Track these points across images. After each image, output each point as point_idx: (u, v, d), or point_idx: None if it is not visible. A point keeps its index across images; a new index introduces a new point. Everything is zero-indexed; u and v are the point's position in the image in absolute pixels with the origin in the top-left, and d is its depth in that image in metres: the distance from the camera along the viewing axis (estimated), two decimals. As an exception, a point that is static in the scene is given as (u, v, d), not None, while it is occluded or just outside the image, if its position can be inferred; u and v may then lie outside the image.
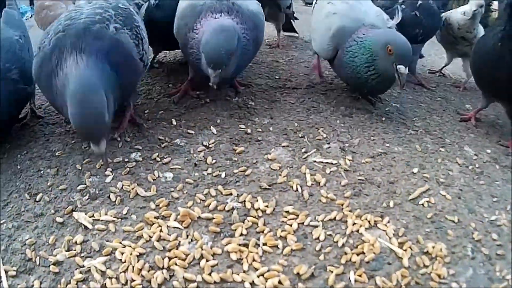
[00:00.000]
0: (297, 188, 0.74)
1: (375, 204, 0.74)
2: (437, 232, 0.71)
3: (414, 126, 1.07)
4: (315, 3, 1.20)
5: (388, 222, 0.70)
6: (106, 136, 0.72)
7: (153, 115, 1.00)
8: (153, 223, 0.70)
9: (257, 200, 0.72)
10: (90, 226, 0.69)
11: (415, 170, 0.86)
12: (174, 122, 0.95)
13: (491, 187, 0.89)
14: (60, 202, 0.75)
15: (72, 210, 0.72)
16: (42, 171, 0.82)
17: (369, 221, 0.69)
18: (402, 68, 0.92)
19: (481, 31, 1.43)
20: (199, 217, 0.71)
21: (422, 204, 0.76)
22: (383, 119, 1.06)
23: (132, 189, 0.76)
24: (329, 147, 0.88)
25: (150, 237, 0.67)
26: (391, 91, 1.26)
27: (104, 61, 0.74)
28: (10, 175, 0.83)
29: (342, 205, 0.72)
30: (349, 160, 0.84)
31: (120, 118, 0.91)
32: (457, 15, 1.42)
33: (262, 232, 0.67)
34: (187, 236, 0.68)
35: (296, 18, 1.83)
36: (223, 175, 0.79)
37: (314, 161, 0.82)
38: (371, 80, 0.97)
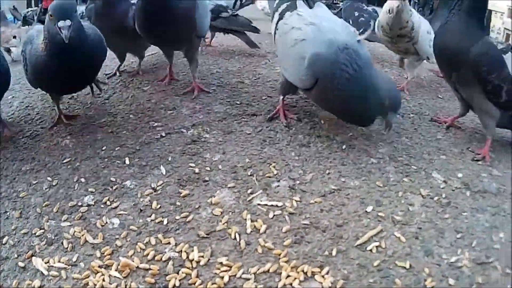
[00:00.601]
0: (235, 237, 0.76)
1: (316, 252, 0.74)
2: (382, 282, 0.70)
3: (378, 153, 1.05)
4: (276, 28, 1.12)
5: (327, 273, 0.70)
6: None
7: (109, 152, 1.05)
8: (98, 272, 0.75)
9: (193, 250, 0.74)
10: (45, 272, 0.77)
11: (369, 208, 0.85)
12: (127, 161, 0.98)
13: (457, 220, 0.87)
14: (22, 246, 0.83)
15: (32, 255, 0.80)
16: (8, 213, 0.91)
17: (305, 273, 0.69)
18: (393, 117, 0.98)
19: (417, 19, 1.37)
20: (137, 267, 0.75)
21: (371, 250, 0.75)
22: (344, 147, 1.04)
23: (82, 235, 0.81)
24: (278, 186, 0.88)
25: (95, 285, 0.74)
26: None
27: None
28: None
29: (279, 255, 0.73)
30: (296, 201, 0.84)
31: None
32: (384, 15, 1.37)
33: (194, 284, 0.70)
34: (126, 286, 0.73)
35: (257, 30, 1.80)
36: (165, 221, 0.81)
37: (259, 204, 0.83)
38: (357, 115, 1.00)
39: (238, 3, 3.31)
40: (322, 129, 1.13)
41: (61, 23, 0.86)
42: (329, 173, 0.95)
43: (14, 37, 3.55)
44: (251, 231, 0.77)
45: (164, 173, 0.92)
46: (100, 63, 1.07)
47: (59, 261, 0.77)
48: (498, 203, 1.00)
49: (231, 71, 1.50)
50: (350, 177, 0.94)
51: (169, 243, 0.76)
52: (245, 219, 0.79)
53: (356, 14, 2.07)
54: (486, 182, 1.07)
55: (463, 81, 1.10)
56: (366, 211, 0.86)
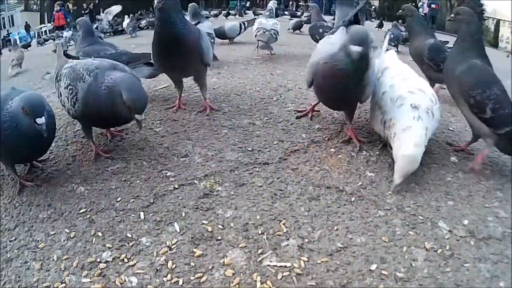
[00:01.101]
0: None
1: (321, 316, 0.82)
2: None
3: (386, 203, 1.11)
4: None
5: (333, 335, 0.80)
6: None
7: (124, 204, 1.13)
8: (118, 331, 0.84)
9: None
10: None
11: (374, 266, 0.91)
12: (142, 216, 1.05)
13: (458, 273, 0.91)
14: None
15: (52, 312, 0.88)
16: (28, 263, 0.98)
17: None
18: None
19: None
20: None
21: (373, 309, 0.82)
22: (353, 199, 1.11)
23: None
24: (287, 245, 0.94)
25: None
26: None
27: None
28: (2, 263, 0.99)
29: (287, 317, 0.82)
30: (304, 261, 0.90)
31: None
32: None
33: None
34: None
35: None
36: (180, 281, 0.87)
37: (268, 265, 0.89)
38: None
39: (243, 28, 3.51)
40: (332, 178, 1.20)
41: (39, 120, 1.04)
42: (337, 229, 1.01)
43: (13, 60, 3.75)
44: None
45: (178, 230, 0.99)
46: (51, 140, 1.22)
47: (78, 321, 0.86)
48: (502, 249, 1.04)
49: (243, 109, 1.57)
50: (357, 233, 1.01)
51: None
52: (255, 281, 0.86)
53: (321, 30, 2.43)
54: (491, 227, 1.11)
55: (455, 97, 1.35)
56: (370, 270, 0.91)
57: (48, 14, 8.16)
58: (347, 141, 1.39)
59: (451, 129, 1.68)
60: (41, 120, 1.05)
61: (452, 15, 1.42)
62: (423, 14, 14.91)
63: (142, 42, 4.28)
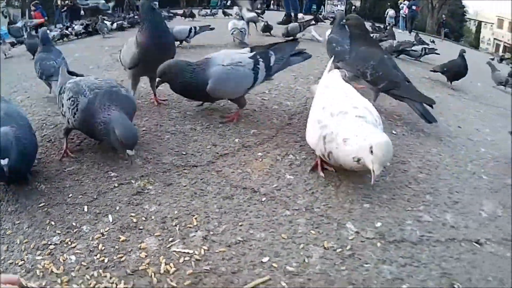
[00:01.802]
0: (151, 275, 1.12)
1: (207, 294, 1.09)
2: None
3: (296, 204, 1.34)
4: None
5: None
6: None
7: (74, 199, 1.44)
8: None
9: (121, 283, 1.08)
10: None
11: (266, 259, 1.11)
12: (86, 209, 1.34)
13: (355, 272, 1.06)
14: (8, 272, 1.16)
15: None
16: None
17: (196, 307, 1.07)
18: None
19: None
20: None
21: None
22: (264, 199, 1.36)
23: (50, 267, 1.14)
24: (194, 236, 1.22)
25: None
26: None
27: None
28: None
29: (180, 292, 1.10)
30: (205, 250, 1.16)
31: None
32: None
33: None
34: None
35: None
36: (106, 260, 1.16)
37: (174, 251, 1.17)
38: None
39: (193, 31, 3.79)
40: (251, 180, 1.48)
41: (2, 162, 1.25)
42: (241, 225, 1.26)
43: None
44: (163, 272, 1.13)
45: (111, 220, 1.29)
46: (32, 158, 1.47)
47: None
48: (414, 253, 1.17)
49: (188, 115, 1.86)
50: (259, 229, 1.24)
51: (106, 276, 1.13)
52: (161, 262, 1.14)
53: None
54: (407, 231, 1.26)
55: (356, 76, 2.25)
56: (262, 261, 1.11)
57: (30, 10, 8.66)
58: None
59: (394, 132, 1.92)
60: (4, 162, 1.27)
61: (344, 20, 2.31)
62: (404, 16, 15.33)
63: (117, 43, 4.43)
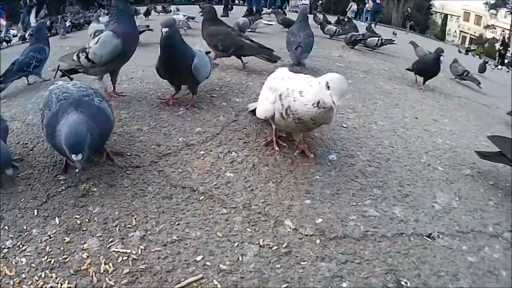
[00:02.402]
0: (92, 274, 1.31)
1: (143, 291, 1.27)
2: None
3: (233, 202, 1.48)
4: None
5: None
6: (84, 156, 1.37)
7: (25, 203, 1.60)
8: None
9: (65, 283, 1.28)
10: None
11: (199, 257, 1.22)
12: (36, 213, 1.50)
13: (290, 270, 1.14)
14: None
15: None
16: None
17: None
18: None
19: None
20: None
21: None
22: (202, 198, 1.51)
23: (3, 269, 1.33)
24: (132, 236, 1.39)
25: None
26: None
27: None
28: None
29: (118, 289, 1.28)
30: (141, 249, 1.30)
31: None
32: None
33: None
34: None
35: None
36: (52, 261, 1.33)
37: (114, 251, 1.34)
38: None
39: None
40: (190, 179, 1.63)
41: (74, 157, 1.36)
42: (178, 224, 1.41)
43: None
44: (103, 271, 1.30)
45: (58, 223, 1.45)
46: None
47: (-11, 287, 1.37)
48: (356, 249, 1.23)
49: (137, 115, 1.98)
50: (195, 228, 1.38)
51: (52, 276, 1.31)
52: (101, 262, 1.32)
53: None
54: (350, 226, 1.33)
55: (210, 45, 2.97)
56: (195, 260, 1.22)
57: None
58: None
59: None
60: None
61: (200, 10, 3.30)
62: (368, 9, 15.80)
63: (75, 43, 4.52)
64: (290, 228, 1.31)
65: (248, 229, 1.34)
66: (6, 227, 1.49)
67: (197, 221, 1.43)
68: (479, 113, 3.28)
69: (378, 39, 5.47)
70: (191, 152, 1.76)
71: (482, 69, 7.19)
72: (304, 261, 1.15)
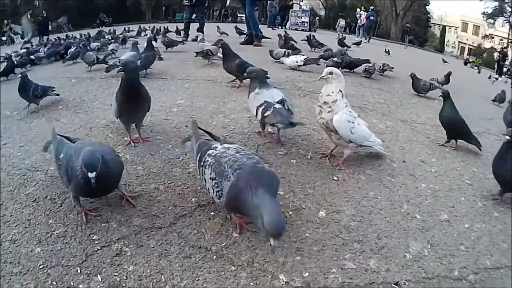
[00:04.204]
0: None
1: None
2: None
3: (239, 260, 2.06)
4: None
5: None
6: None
7: (67, 261, 2.17)
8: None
9: None
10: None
11: None
12: (78, 270, 2.08)
13: None
14: None
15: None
16: None
17: None
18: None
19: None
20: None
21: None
22: (215, 257, 2.08)
23: None
24: None
25: None
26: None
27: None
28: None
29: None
30: None
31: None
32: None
33: None
34: None
35: None
36: None
37: None
38: None
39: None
40: (205, 239, 2.18)
41: (90, 175, 1.91)
42: (198, 280, 1.92)
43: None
44: None
45: (100, 280, 1.97)
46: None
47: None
48: None
49: (152, 172, 2.55)
50: (210, 283, 1.88)
51: None
52: None
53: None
54: (330, 278, 1.81)
55: None
56: None
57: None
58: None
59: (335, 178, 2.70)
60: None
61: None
62: (361, 25, 18.15)
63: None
64: (283, 281, 1.81)
65: (251, 283, 1.84)
66: (54, 283, 2.05)
67: (212, 277, 1.98)
68: (468, 146, 3.77)
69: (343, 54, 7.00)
70: (203, 213, 2.34)
71: (501, 99, 7.05)
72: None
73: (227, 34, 13.46)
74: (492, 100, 7.21)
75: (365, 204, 2.57)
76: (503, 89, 7.46)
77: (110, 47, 8.06)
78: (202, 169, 2.06)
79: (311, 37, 10.39)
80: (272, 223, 1.63)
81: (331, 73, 2.70)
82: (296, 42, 9.28)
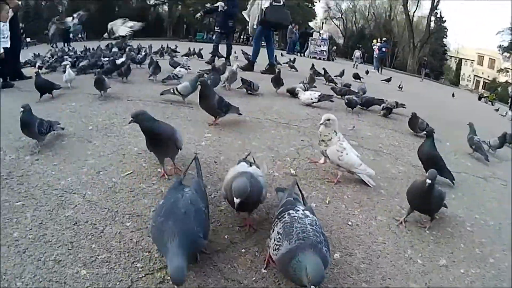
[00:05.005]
0: None
1: None
2: None
3: None
4: None
5: None
6: None
7: (114, 285, 2.55)
8: None
9: None
10: None
11: None
12: None
13: None
14: None
15: None
16: None
17: None
18: None
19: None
20: None
21: None
22: None
23: None
24: None
25: None
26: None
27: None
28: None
29: None
30: None
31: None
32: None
33: None
34: None
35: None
36: None
37: None
38: None
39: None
40: (237, 274, 2.59)
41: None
42: None
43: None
44: None
45: None
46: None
47: None
48: None
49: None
50: None
51: None
52: None
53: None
54: None
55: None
56: None
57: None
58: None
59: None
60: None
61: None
62: (376, 56, 20.08)
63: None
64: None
65: None
66: None
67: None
68: (473, 190, 4.33)
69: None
70: (235, 249, 2.71)
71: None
72: None
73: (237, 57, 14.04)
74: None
75: (374, 248, 2.96)
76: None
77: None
78: (276, 220, 2.40)
79: (326, 71, 10.97)
80: (315, 273, 2.01)
81: (328, 119, 3.67)
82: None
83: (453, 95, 16.42)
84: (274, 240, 2.28)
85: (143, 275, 2.52)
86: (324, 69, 11.14)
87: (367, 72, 16.67)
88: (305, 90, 7.24)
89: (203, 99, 4.64)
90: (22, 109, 3.81)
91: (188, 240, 2.15)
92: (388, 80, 15.76)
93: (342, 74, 12.63)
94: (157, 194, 3.31)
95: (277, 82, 7.78)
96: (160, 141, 3.21)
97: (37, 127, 3.89)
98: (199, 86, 4.79)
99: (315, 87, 8.46)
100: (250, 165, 2.87)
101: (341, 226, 3.15)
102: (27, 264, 2.52)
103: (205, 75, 6.84)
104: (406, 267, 2.82)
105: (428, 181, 2.99)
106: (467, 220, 3.62)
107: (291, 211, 2.39)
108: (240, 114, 5.16)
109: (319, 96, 6.78)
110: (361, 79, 13.03)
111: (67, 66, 6.92)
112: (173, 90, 5.86)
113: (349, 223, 3.22)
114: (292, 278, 2.15)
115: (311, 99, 6.68)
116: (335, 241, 2.96)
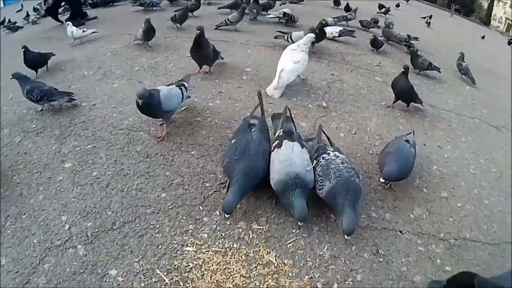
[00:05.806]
0: None
1: None
2: None
3: None
4: None
5: None
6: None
7: None
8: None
9: None
10: None
11: None
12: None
13: None
14: None
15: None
16: None
17: None
18: None
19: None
20: None
21: None
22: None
23: None
24: None
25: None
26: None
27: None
28: None
29: None
30: None
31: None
32: None
33: None
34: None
35: None
36: None
37: None
38: None
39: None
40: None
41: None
42: None
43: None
44: None
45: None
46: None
47: None
48: None
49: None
50: None
51: None
52: None
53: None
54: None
55: None
56: None
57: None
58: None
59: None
60: None
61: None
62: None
63: None
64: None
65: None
66: (184, 218, 2.90)
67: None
68: (483, 137, 4.72)
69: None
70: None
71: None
72: None
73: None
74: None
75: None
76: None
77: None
78: (316, 161, 2.96)
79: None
80: (348, 226, 2.60)
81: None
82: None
83: (483, 38, 15.78)
84: (318, 182, 2.83)
85: (212, 192, 3.14)
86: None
87: (397, 5, 15.80)
88: (334, 25, 7.38)
89: (198, 49, 4.58)
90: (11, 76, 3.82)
91: (254, 180, 2.84)
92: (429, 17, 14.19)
93: (386, 11, 12.53)
94: (212, 126, 3.84)
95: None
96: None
97: (26, 93, 3.79)
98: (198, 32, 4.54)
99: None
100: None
101: (363, 154, 3.71)
102: (113, 195, 3.05)
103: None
104: (413, 193, 3.36)
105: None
106: (472, 163, 4.03)
107: (324, 155, 2.94)
108: (222, 58, 5.08)
109: (339, 31, 6.92)
110: (388, 10, 12.63)
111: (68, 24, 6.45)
112: (225, 21, 6.92)
113: (370, 152, 3.75)
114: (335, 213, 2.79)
115: (332, 33, 6.84)
116: (358, 167, 3.50)
